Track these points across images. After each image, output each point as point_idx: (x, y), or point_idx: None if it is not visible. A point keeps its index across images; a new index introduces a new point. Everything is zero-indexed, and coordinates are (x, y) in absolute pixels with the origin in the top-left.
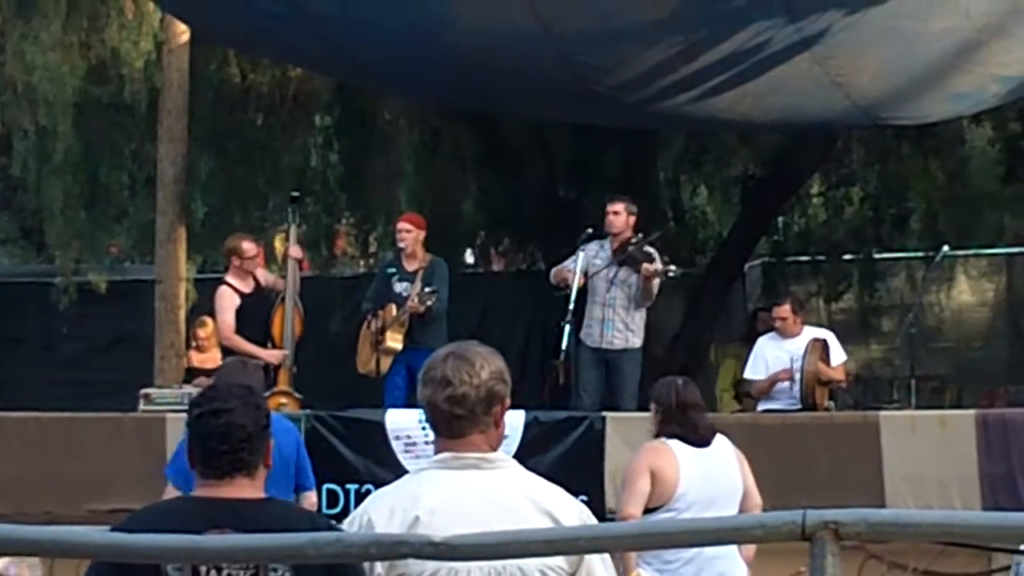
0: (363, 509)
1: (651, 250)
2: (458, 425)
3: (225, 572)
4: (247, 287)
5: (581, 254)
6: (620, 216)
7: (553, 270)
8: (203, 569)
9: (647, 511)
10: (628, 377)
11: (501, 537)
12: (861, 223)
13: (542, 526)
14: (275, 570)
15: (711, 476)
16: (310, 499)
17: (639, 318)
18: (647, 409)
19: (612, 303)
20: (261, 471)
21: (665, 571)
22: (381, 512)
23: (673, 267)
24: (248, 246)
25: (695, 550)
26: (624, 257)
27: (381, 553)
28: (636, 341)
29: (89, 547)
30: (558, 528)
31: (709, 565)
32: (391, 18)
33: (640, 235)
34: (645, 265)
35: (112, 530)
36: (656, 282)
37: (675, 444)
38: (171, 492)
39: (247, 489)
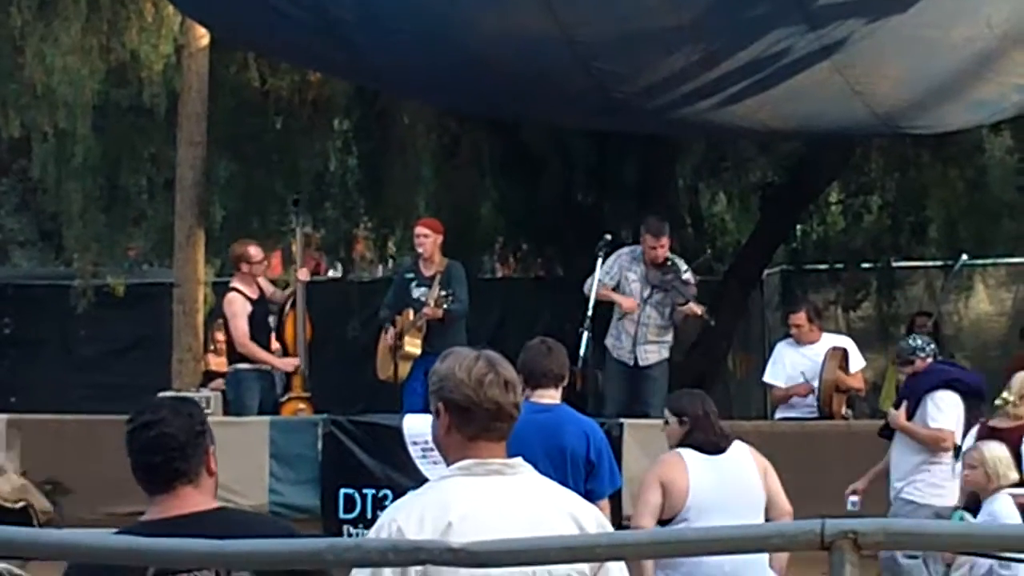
0: (389, 518)
1: (689, 278)
2: (508, 427)
3: None
4: (254, 293)
5: (601, 261)
6: (665, 248)
7: (594, 290)
8: None
9: (663, 522)
10: (659, 383)
11: (521, 544)
12: (880, 231)
13: (570, 531)
14: None
15: (726, 483)
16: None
17: (670, 335)
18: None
19: (647, 322)
20: (205, 478)
21: None
22: (411, 520)
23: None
24: (255, 251)
25: (715, 561)
26: (665, 285)
27: (399, 559)
28: (667, 353)
29: (100, 551)
30: (578, 535)
31: None
32: (410, 23)
33: (676, 259)
34: (691, 306)
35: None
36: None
37: (688, 454)
38: None
39: (194, 498)
